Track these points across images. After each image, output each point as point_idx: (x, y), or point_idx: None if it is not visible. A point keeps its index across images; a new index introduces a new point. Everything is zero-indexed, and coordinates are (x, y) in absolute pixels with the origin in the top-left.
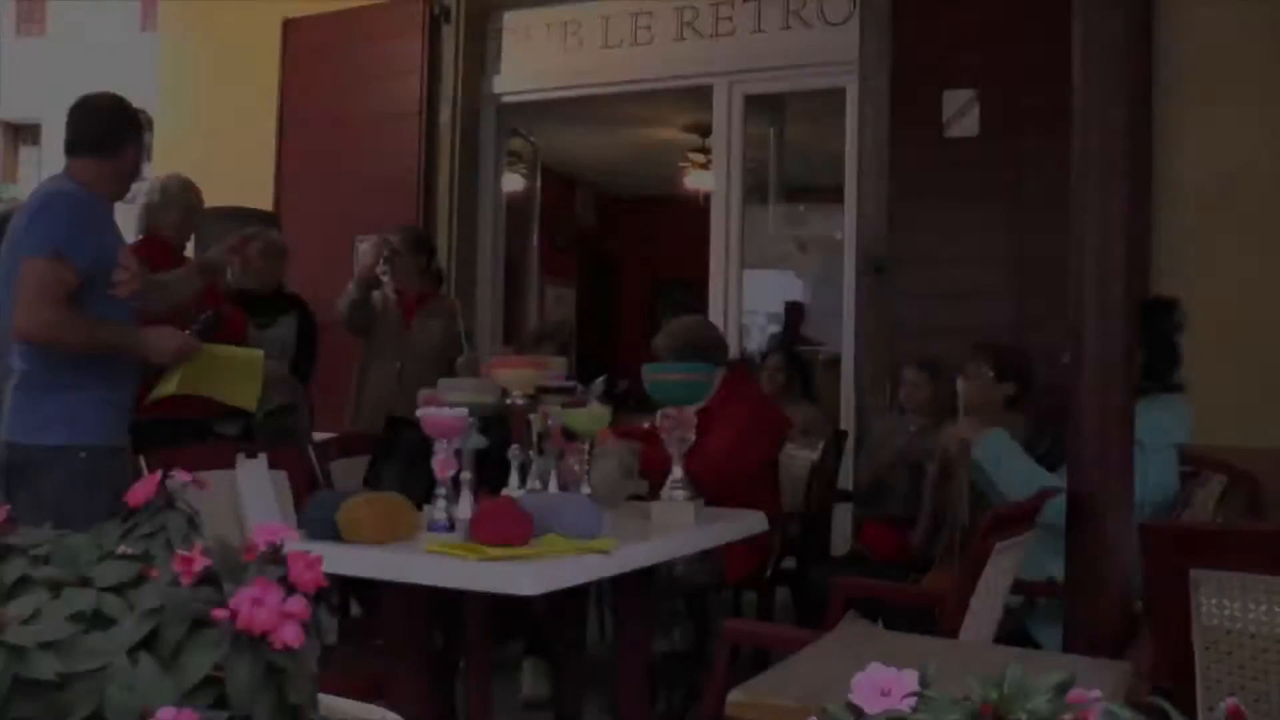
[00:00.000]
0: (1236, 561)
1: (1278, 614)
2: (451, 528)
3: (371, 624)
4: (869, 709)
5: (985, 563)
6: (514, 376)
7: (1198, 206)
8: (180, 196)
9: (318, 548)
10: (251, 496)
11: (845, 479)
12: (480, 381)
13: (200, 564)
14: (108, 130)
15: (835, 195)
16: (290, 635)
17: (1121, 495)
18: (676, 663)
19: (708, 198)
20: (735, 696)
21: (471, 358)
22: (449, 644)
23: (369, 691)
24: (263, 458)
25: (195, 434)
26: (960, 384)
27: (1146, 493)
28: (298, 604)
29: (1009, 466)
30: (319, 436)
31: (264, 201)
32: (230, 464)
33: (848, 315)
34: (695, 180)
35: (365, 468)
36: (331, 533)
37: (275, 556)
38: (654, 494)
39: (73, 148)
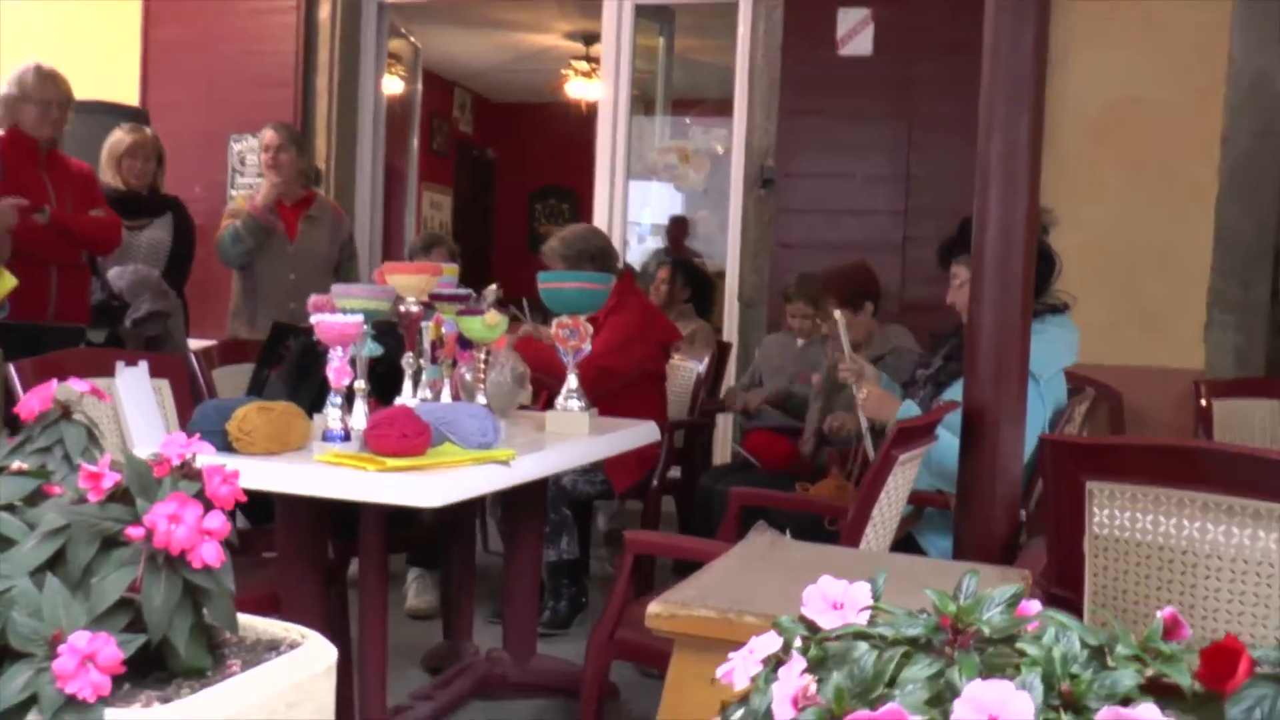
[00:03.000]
0: (1129, 474)
1: (1163, 523)
2: (347, 438)
3: (261, 536)
4: (822, 622)
5: (888, 474)
6: (408, 282)
7: (1082, 134)
8: (38, 89)
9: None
10: (133, 406)
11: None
12: (374, 287)
13: (109, 479)
14: None
15: (722, 108)
16: (210, 555)
17: (1015, 409)
18: (563, 573)
19: (589, 106)
20: (655, 609)
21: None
22: (339, 554)
23: (267, 605)
24: (143, 365)
25: (61, 341)
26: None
27: (1037, 421)
28: (216, 520)
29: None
30: (195, 345)
31: (129, 98)
32: (106, 371)
33: (733, 229)
34: (577, 89)
35: (249, 376)
36: (221, 443)
37: (189, 471)
38: (539, 402)
39: None
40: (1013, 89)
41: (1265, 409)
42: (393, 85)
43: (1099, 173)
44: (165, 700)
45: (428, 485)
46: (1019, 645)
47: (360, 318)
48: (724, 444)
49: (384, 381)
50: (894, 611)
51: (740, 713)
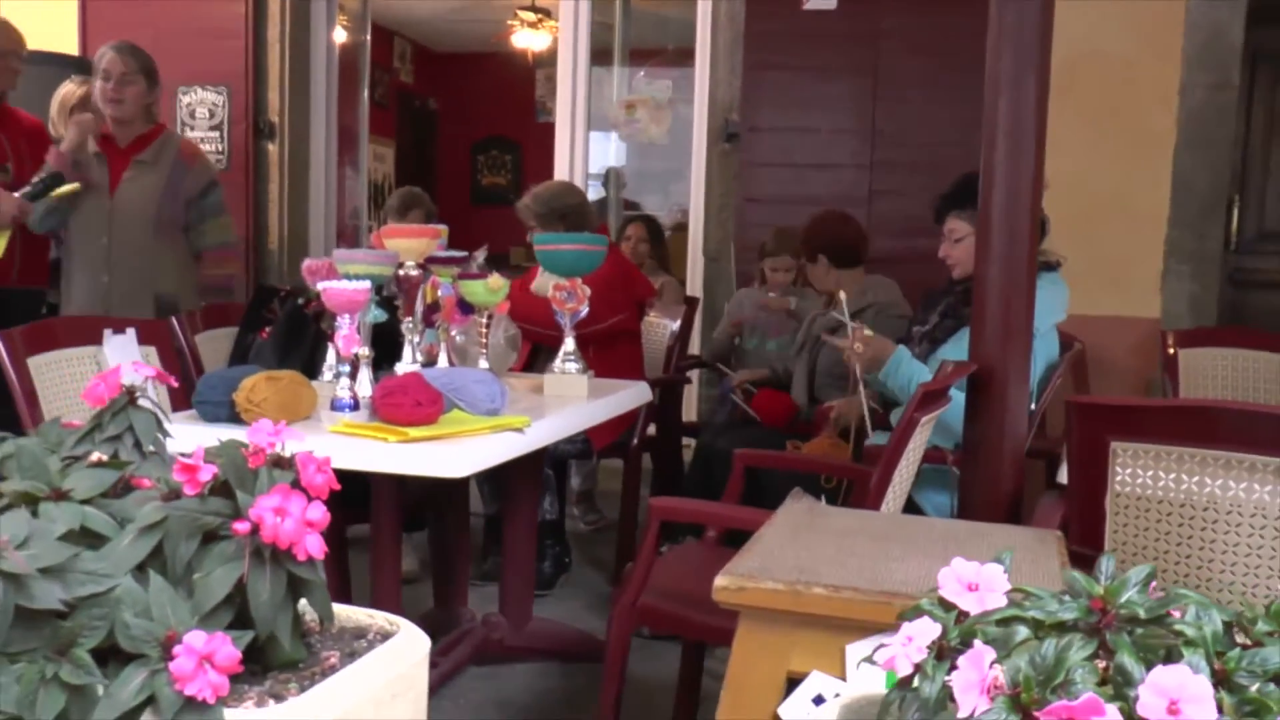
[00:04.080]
0: (1153, 434)
1: (1185, 481)
2: (356, 407)
3: None
4: (962, 604)
5: (911, 437)
6: (409, 246)
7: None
8: None
9: (214, 432)
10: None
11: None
12: (377, 252)
13: (206, 472)
14: None
15: (682, 60)
16: (314, 547)
17: (1022, 366)
18: (546, 533)
19: (535, 56)
20: (722, 582)
21: None
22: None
23: None
24: (130, 332)
25: (25, 305)
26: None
27: (1038, 373)
28: (318, 512)
29: (913, 378)
30: None
31: (67, 49)
32: (94, 339)
33: (697, 183)
34: (523, 39)
35: (232, 341)
36: (228, 415)
37: (283, 460)
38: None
39: None
40: (1019, 47)
41: (1226, 357)
42: (338, 36)
43: (1060, 125)
44: (278, 697)
45: (453, 455)
46: (1177, 627)
47: (367, 284)
48: (694, 402)
49: (376, 348)
50: (1040, 594)
51: (902, 700)
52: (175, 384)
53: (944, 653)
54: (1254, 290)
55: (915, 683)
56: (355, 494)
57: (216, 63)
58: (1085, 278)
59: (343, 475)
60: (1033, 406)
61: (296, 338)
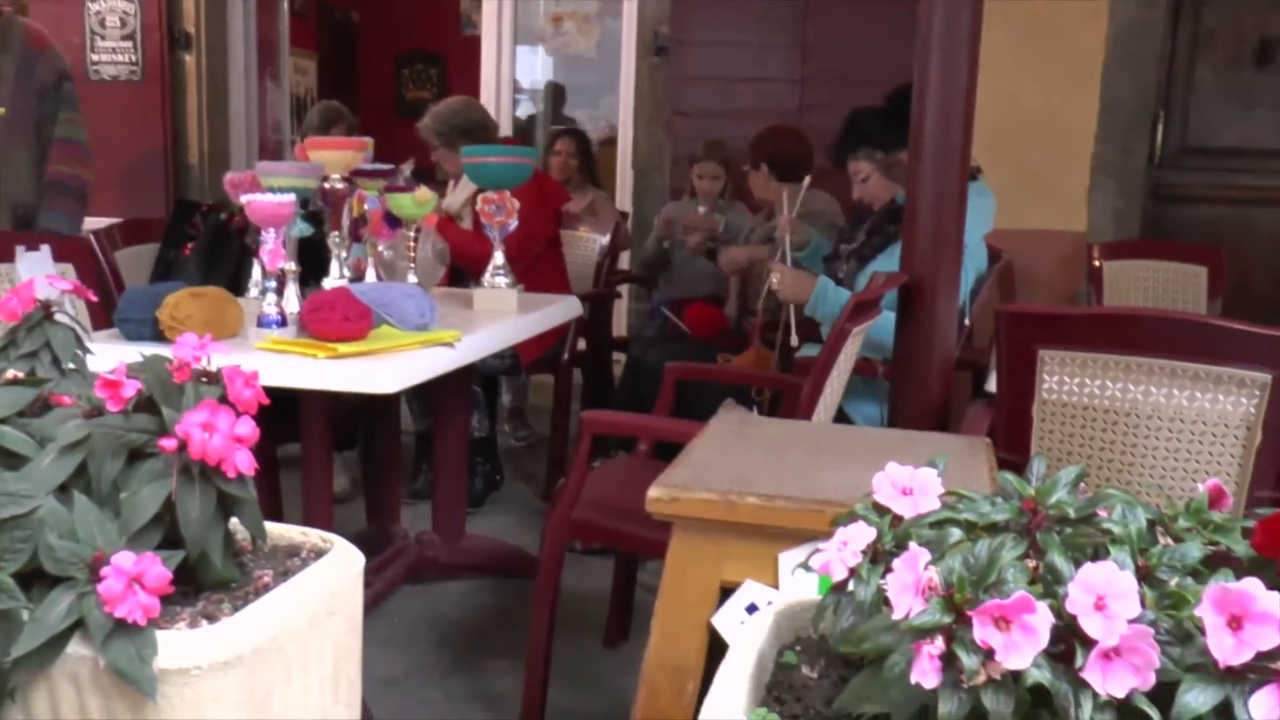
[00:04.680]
0: (1080, 341)
1: (1110, 387)
2: (284, 323)
3: None
4: (895, 509)
5: (842, 347)
6: (335, 158)
7: None
8: None
9: (138, 350)
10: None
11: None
12: (301, 164)
13: (130, 388)
14: None
15: None
16: (244, 463)
17: (952, 278)
18: (476, 451)
19: None
20: (655, 493)
21: None
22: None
23: None
24: (45, 249)
25: None
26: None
27: (967, 284)
28: (247, 427)
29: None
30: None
31: None
32: (5, 256)
33: (625, 97)
34: None
35: (153, 257)
36: (151, 333)
37: (210, 375)
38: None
39: None
40: None
41: (1148, 269)
42: None
43: (990, 42)
44: (211, 618)
45: (383, 371)
46: (1104, 526)
47: (292, 197)
48: (624, 316)
49: (303, 263)
50: (973, 497)
51: (838, 604)
52: (94, 298)
53: (878, 556)
54: (1176, 204)
55: (850, 587)
56: (285, 412)
57: None
58: (1014, 192)
59: (272, 393)
60: (965, 321)
61: (221, 253)
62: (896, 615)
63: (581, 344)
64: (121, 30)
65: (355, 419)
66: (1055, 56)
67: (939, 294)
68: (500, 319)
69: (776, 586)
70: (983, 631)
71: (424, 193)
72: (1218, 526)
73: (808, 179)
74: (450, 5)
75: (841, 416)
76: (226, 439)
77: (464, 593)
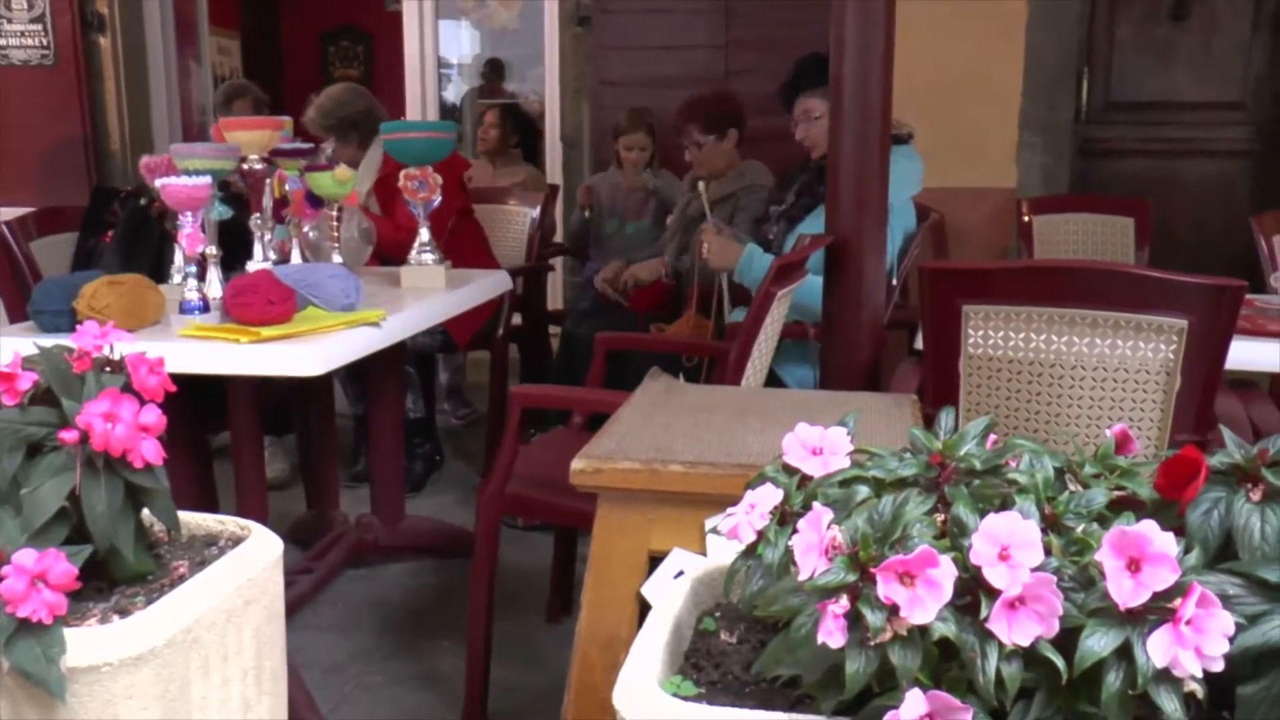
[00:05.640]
0: (1002, 295)
1: (1034, 339)
2: (206, 309)
3: None
4: (805, 469)
5: (768, 311)
6: (251, 138)
7: None
8: None
9: (51, 343)
10: None
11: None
12: (216, 145)
13: (26, 380)
14: None
15: None
16: (150, 452)
17: (877, 237)
18: (413, 432)
19: None
20: (579, 465)
21: None
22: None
23: None
24: None
25: None
26: (693, 156)
27: (896, 245)
28: (153, 415)
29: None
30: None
31: None
32: None
33: (550, 68)
34: None
35: (73, 246)
36: (68, 324)
37: (113, 363)
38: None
39: None
40: None
41: (1077, 223)
42: None
43: (915, 5)
44: (124, 612)
45: (307, 353)
46: (1011, 476)
47: (208, 179)
48: (559, 289)
49: (227, 247)
50: (881, 453)
51: (747, 568)
52: None
53: (786, 518)
54: (1101, 159)
55: (759, 549)
56: (216, 400)
57: None
58: (944, 152)
59: (203, 380)
60: (894, 281)
61: (140, 239)
62: (802, 576)
63: (518, 319)
64: (30, 12)
65: (289, 403)
66: (979, 17)
67: (864, 254)
68: (428, 296)
69: (704, 553)
70: (887, 588)
71: (343, 171)
72: (1124, 471)
73: (701, 184)
74: None
75: (774, 380)
76: (131, 428)
77: (406, 574)
